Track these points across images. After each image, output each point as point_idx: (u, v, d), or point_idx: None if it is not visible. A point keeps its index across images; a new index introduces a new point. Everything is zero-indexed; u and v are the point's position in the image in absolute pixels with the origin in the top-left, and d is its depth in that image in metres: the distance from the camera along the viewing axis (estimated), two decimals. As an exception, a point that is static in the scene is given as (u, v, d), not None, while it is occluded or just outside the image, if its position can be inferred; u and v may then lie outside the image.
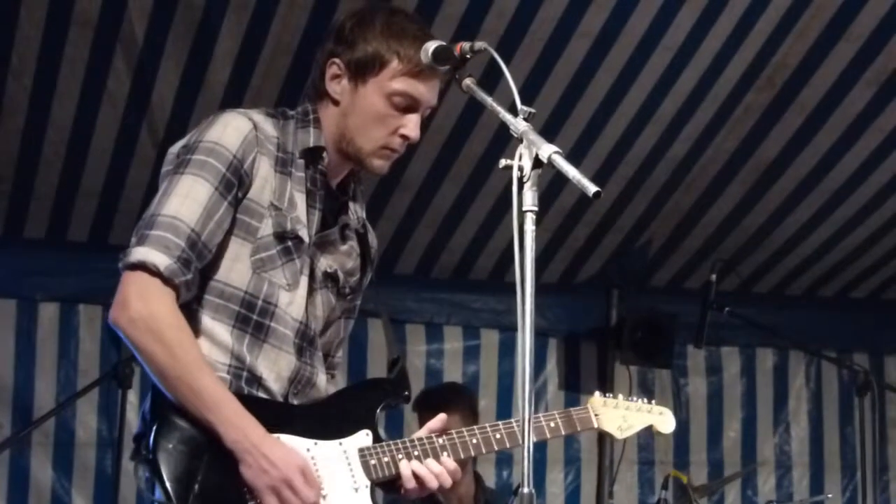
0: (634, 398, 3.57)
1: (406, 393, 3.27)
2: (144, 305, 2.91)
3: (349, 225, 3.27)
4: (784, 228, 6.39)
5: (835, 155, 5.88)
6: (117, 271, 2.97)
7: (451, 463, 3.15)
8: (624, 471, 6.75)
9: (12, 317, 6.04)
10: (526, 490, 2.51)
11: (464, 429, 3.23)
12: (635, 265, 6.63)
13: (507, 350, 6.66)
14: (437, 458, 3.14)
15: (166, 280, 2.92)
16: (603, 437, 6.71)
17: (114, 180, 5.69)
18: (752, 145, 5.85)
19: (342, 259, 3.25)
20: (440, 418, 3.22)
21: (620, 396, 3.55)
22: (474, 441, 3.20)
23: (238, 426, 2.93)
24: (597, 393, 3.52)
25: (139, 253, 2.93)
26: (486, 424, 3.25)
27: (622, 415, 3.54)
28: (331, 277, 3.22)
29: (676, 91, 5.50)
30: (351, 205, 3.28)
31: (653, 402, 3.58)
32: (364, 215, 3.33)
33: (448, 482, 3.14)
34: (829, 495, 6.40)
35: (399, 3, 4.83)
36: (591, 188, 2.54)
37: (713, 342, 6.64)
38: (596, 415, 3.41)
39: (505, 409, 6.58)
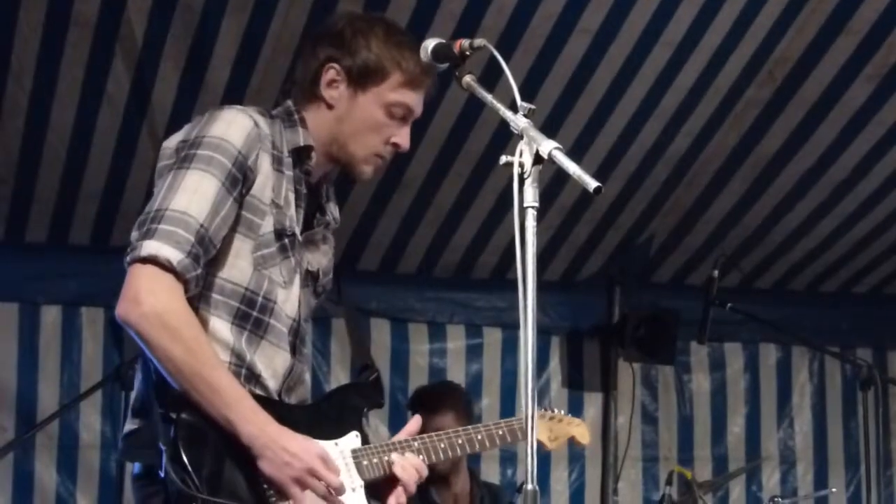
0: (555, 411, 3.78)
1: (381, 400, 3.33)
2: (157, 300, 2.88)
3: (329, 225, 3.31)
4: (786, 224, 6.38)
5: (836, 149, 5.87)
6: (120, 273, 2.95)
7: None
8: (628, 467, 6.74)
9: (15, 320, 6.04)
10: (530, 487, 2.51)
11: (441, 432, 3.31)
12: (637, 262, 6.62)
13: (510, 348, 6.65)
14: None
15: (178, 275, 2.90)
16: (607, 434, 6.71)
17: (115, 182, 5.68)
18: (753, 140, 5.84)
19: (321, 259, 3.28)
20: (416, 420, 3.30)
21: (544, 409, 3.75)
22: (442, 445, 3.27)
23: (255, 422, 2.93)
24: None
25: (150, 247, 2.90)
26: (460, 428, 3.37)
27: (549, 426, 3.76)
28: (312, 276, 3.24)
29: (677, 86, 5.49)
30: (328, 205, 3.32)
31: (570, 415, 3.82)
32: (338, 215, 3.37)
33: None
34: (834, 490, 6.40)
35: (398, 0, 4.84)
36: (592, 184, 2.54)
37: (716, 338, 6.63)
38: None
39: (508, 407, 6.57)
